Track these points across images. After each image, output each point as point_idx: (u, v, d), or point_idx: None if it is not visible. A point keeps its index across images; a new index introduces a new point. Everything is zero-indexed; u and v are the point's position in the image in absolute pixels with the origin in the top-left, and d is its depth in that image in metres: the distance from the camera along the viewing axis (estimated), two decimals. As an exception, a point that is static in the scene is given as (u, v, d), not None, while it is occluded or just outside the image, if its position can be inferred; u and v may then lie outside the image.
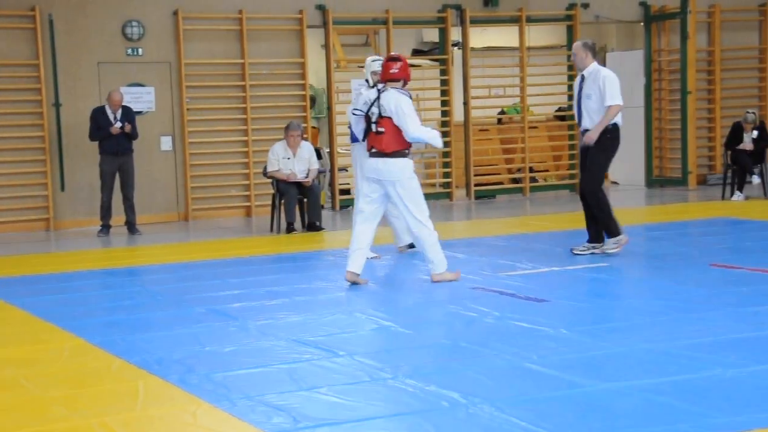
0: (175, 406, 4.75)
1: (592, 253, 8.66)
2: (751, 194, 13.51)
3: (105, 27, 13.16)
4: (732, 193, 13.25)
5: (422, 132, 7.59)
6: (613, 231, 8.61)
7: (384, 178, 7.64)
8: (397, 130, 7.56)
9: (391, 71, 7.67)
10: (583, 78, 8.61)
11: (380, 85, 7.77)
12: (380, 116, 7.60)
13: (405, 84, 7.72)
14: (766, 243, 9.23)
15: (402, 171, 7.61)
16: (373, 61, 8.82)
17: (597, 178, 8.57)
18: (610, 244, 8.61)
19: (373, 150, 7.68)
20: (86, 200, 13.01)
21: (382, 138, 7.61)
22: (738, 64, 16.07)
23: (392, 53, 7.94)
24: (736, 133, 13.37)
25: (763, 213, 11.67)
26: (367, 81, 8.75)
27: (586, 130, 8.54)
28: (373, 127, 7.66)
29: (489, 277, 7.91)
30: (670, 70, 15.78)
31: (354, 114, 8.28)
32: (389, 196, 7.69)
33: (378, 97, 7.65)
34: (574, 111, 8.86)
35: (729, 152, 13.44)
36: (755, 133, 13.19)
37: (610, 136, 8.48)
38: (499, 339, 5.71)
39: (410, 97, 7.67)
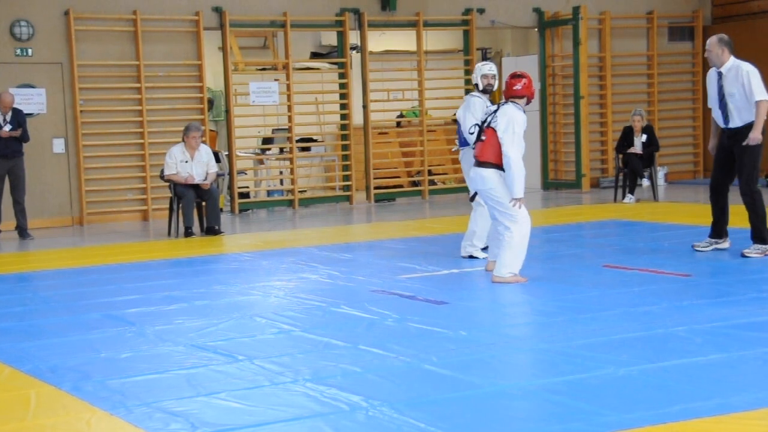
0: (69, 414, 4.63)
1: (715, 249, 8.53)
2: (642, 197, 13.92)
3: (-7, 26, 12.78)
4: (623, 196, 13.62)
5: (515, 159, 7.41)
6: (765, 238, 8.28)
7: (478, 188, 7.75)
8: (497, 143, 7.52)
9: (515, 88, 7.63)
10: (720, 75, 8.30)
11: (503, 101, 7.71)
12: (488, 126, 7.61)
13: (528, 101, 7.67)
14: (656, 244, 9.52)
15: (484, 181, 7.60)
16: (483, 65, 8.77)
17: (752, 177, 8.27)
18: (754, 250, 8.27)
19: (475, 158, 7.76)
20: (-26, 204, 12.60)
21: (482, 146, 7.64)
22: (627, 70, 16.55)
23: (516, 71, 7.83)
24: (626, 137, 13.75)
25: (652, 215, 12.03)
26: (476, 86, 8.70)
27: (729, 129, 8.28)
28: (481, 135, 7.70)
29: (389, 279, 7.96)
30: (563, 75, 16.15)
31: (470, 133, 8.38)
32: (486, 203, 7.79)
33: (496, 111, 7.64)
34: (713, 110, 8.47)
35: (620, 156, 13.82)
36: (644, 137, 13.59)
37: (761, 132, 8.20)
38: (398, 341, 5.74)
39: (524, 113, 7.61)
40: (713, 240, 8.61)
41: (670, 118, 16.74)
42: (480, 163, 7.66)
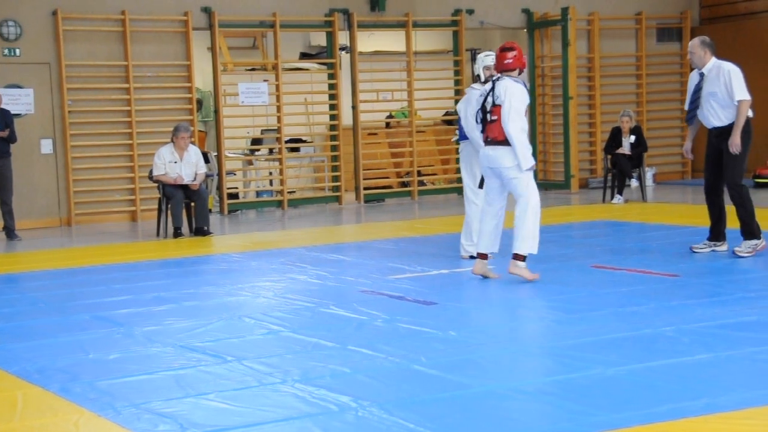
0: (56, 415, 4.62)
1: (713, 251, 8.44)
2: (630, 197, 13.95)
3: (-19, 26, 12.74)
4: (612, 197, 13.65)
5: (519, 136, 7.42)
6: (755, 232, 8.23)
7: (494, 166, 7.61)
8: None
9: (506, 61, 7.60)
10: (702, 76, 8.30)
11: (495, 76, 7.69)
12: (494, 105, 7.56)
13: (520, 73, 7.65)
14: (644, 244, 9.54)
15: (504, 158, 7.52)
16: (486, 56, 8.69)
17: (738, 173, 8.18)
18: (745, 247, 8.22)
19: (488, 139, 7.64)
20: (-38, 205, 12.54)
21: (495, 126, 7.56)
22: (616, 71, 16.60)
23: (506, 43, 7.75)
24: (615, 137, 13.78)
25: (641, 215, 12.06)
26: (478, 77, 8.67)
27: (715, 128, 8.27)
28: (488, 116, 7.62)
29: (378, 280, 7.95)
30: (552, 76, 16.18)
31: (465, 113, 8.33)
32: (503, 183, 7.64)
33: (493, 87, 7.61)
34: (689, 109, 8.45)
35: (609, 156, 13.85)
36: (633, 137, 13.62)
37: (744, 129, 8.13)
38: (388, 342, 5.74)
39: (525, 87, 7.60)
40: (711, 243, 8.55)
41: (658, 119, 16.79)
42: (496, 142, 7.58)
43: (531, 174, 7.59)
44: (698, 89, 8.34)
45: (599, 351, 5.35)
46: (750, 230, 8.28)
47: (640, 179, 13.89)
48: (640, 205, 13.26)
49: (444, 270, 8.35)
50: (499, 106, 7.53)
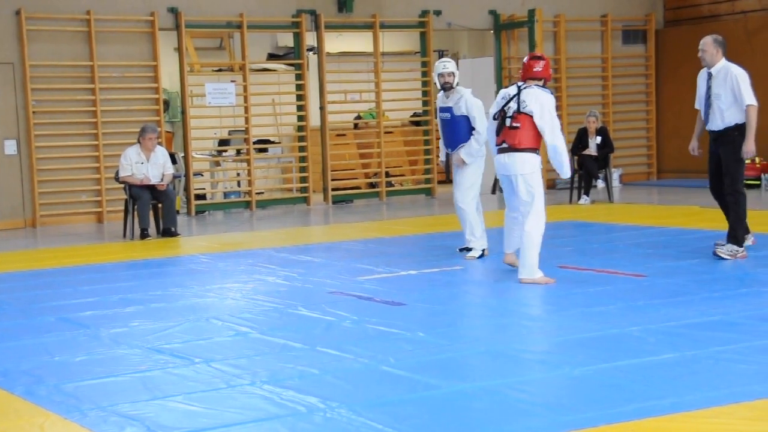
0: (21, 419, 4.57)
1: (745, 246, 8.33)
2: (597, 198, 14.05)
3: (-57, 25, 12.58)
4: (579, 197, 13.74)
5: (561, 146, 7.49)
6: (738, 240, 8.19)
7: (510, 173, 7.60)
8: (533, 128, 7.49)
9: (535, 69, 7.65)
10: (710, 75, 8.18)
11: (520, 83, 7.68)
12: (518, 112, 7.52)
13: (545, 83, 7.67)
14: (611, 245, 9.62)
15: (524, 164, 7.54)
16: (440, 62, 8.73)
17: (739, 178, 8.17)
18: (726, 250, 8.17)
19: (504, 145, 7.60)
20: (-76, 207, 12.40)
21: (517, 133, 7.53)
22: (582, 72, 16.71)
23: (535, 52, 7.83)
24: (581, 138, 13.88)
25: (607, 216, 12.16)
26: (435, 84, 8.73)
27: (712, 131, 8.21)
28: (508, 121, 7.56)
29: (346, 281, 7.95)
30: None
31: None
32: (515, 189, 7.62)
33: (518, 93, 7.57)
34: (700, 110, 8.38)
35: (575, 157, 13.94)
36: (599, 138, 13.72)
37: (740, 134, 8.07)
38: (356, 343, 5.75)
39: (554, 96, 7.63)
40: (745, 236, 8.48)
41: (624, 120, 16.92)
42: (513, 149, 7.57)
43: (541, 188, 7.61)
44: (709, 89, 8.21)
45: (566, 351, 5.38)
46: (735, 236, 8.24)
47: (607, 180, 13.99)
48: (606, 206, 13.36)
49: (412, 271, 8.37)
50: (525, 114, 7.52)
